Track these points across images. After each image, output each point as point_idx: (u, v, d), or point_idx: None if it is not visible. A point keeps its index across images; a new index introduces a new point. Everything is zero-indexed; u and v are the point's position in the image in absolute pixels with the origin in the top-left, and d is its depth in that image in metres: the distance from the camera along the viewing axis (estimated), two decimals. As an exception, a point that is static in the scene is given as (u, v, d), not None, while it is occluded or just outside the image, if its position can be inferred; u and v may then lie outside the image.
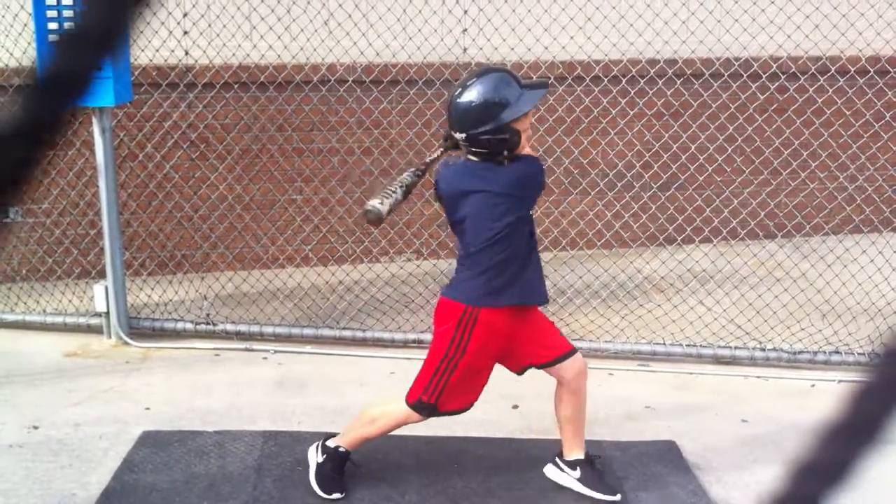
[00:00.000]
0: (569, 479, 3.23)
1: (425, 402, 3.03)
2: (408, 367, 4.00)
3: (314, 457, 3.21)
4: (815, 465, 0.50)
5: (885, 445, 0.51)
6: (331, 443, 3.21)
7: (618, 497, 3.19)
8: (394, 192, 2.87)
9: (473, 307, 2.93)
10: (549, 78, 5.50)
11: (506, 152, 2.83)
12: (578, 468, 3.22)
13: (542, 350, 3.10)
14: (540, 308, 3.13)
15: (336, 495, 3.15)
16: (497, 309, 2.95)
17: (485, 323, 2.94)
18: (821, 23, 5.16)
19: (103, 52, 0.46)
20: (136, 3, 0.46)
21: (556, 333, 3.16)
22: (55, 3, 4.22)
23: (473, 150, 2.88)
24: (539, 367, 3.12)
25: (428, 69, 5.39)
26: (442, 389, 3.00)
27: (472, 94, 2.84)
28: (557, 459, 3.27)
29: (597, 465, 3.30)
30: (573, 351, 3.13)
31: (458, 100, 2.86)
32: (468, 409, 3.11)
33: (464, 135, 2.85)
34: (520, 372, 3.15)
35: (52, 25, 4.24)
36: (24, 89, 0.47)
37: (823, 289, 4.95)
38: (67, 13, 4.23)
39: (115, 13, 0.45)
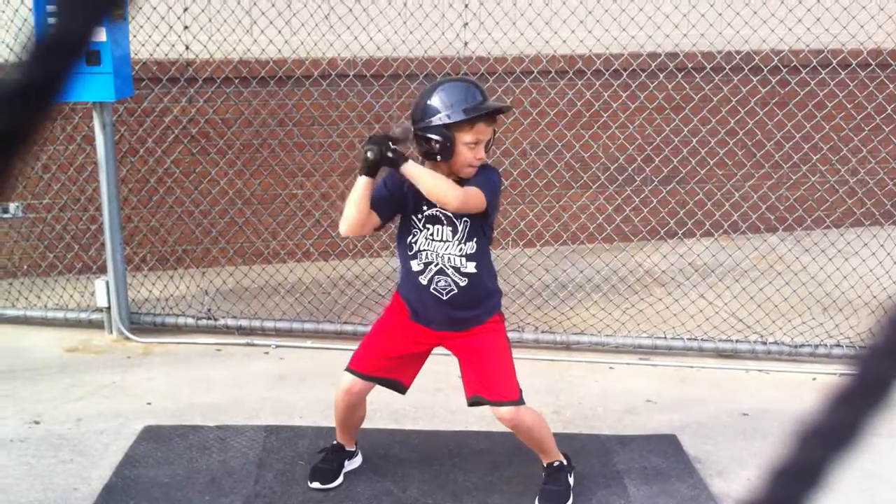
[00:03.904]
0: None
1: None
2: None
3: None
4: (792, 467, 0.50)
5: (859, 450, 0.51)
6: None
7: None
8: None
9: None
10: (551, 72, 5.52)
11: (438, 157, 2.84)
12: (543, 473, 3.21)
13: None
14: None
15: None
16: None
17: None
18: (822, 16, 5.14)
19: (78, 54, 0.46)
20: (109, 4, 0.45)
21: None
22: (55, -2, 4.22)
23: (415, 144, 2.92)
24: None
25: (429, 63, 5.38)
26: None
27: (427, 90, 2.91)
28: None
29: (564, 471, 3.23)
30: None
31: (420, 92, 2.96)
32: None
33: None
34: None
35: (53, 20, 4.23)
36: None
37: (825, 282, 4.94)
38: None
39: (91, 15, 0.45)
